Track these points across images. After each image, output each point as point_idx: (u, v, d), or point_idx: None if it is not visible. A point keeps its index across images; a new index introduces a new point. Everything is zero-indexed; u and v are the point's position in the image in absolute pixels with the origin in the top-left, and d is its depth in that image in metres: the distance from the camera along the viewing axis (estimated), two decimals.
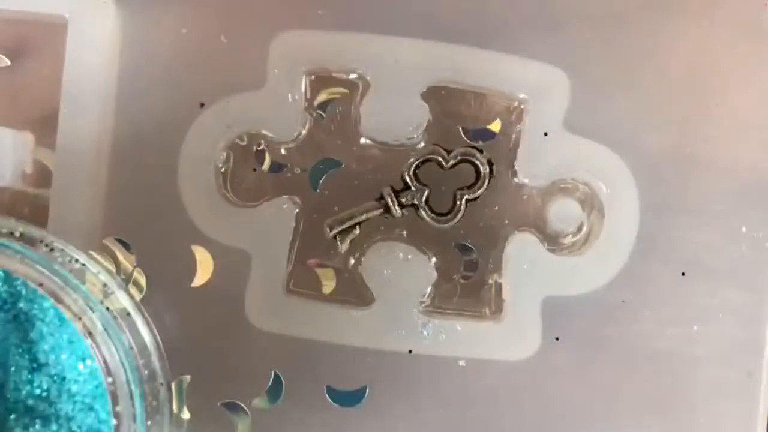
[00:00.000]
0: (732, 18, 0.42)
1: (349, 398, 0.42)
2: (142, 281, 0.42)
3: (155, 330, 0.41)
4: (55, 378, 0.39)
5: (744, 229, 0.42)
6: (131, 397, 0.38)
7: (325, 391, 0.42)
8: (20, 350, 0.39)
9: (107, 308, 0.39)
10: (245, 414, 0.42)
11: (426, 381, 0.42)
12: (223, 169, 0.42)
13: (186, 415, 0.41)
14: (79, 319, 0.38)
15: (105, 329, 0.39)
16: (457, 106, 0.42)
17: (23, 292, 0.39)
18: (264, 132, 0.42)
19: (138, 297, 0.41)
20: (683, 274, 0.42)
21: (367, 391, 0.42)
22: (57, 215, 0.42)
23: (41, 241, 0.39)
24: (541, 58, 0.42)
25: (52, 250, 0.39)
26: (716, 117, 0.42)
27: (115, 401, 0.38)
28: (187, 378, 0.41)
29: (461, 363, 0.42)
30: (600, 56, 0.42)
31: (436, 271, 0.42)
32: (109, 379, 0.38)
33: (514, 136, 0.42)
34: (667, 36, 0.42)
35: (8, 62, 0.43)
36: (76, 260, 0.39)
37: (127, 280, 0.41)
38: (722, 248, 0.42)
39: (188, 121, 0.42)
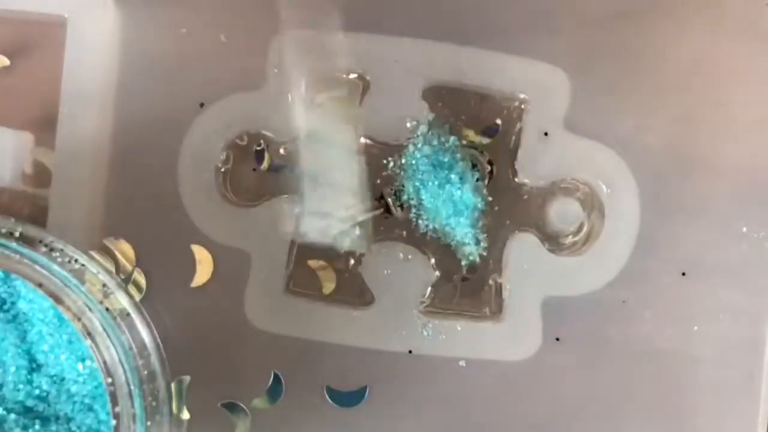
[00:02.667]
0: (732, 18, 0.42)
1: (349, 398, 0.42)
2: (142, 281, 0.42)
3: (155, 330, 0.41)
4: (55, 378, 0.39)
5: (744, 229, 0.42)
6: (131, 398, 0.38)
7: (325, 391, 0.42)
8: (19, 350, 0.39)
9: (107, 308, 0.39)
10: (245, 414, 0.42)
11: (426, 381, 0.42)
12: (223, 169, 0.42)
13: (186, 415, 0.41)
14: (78, 319, 0.38)
15: (104, 329, 0.39)
16: (457, 105, 0.42)
17: (22, 292, 0.39)
18: (264, 132, 0.42)
19: (138, 297, 0.41)
20: (683, 274, 0.42)
21: (367, 391, 0.42)
22: (56, 215, 0.42)
23: (41, 241, 0.39)
24: (541, 58, 0.42)
25: (51, 250, 0.39)
26: (716, 117, 0.42)
27: (114, 402, 0.38)
28: (187, 378, 0.41)
29: (461, 363, 0.42)
30: (600, 56, 0.42)
31: (436, 271, 0.42)
32: (109, 380, 0.38)
33: (514, 136, 0.42)
34: (667, 36, 0.42)
35: (8, 62, 0.43)
36: (76, 260, 0.39)
37: (126, 280, 0.41)
38: (723, 248, 0.42)
39: (188, 121, 0.42)
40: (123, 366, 0.39)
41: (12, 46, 0.43)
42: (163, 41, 0.42)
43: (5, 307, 0.39)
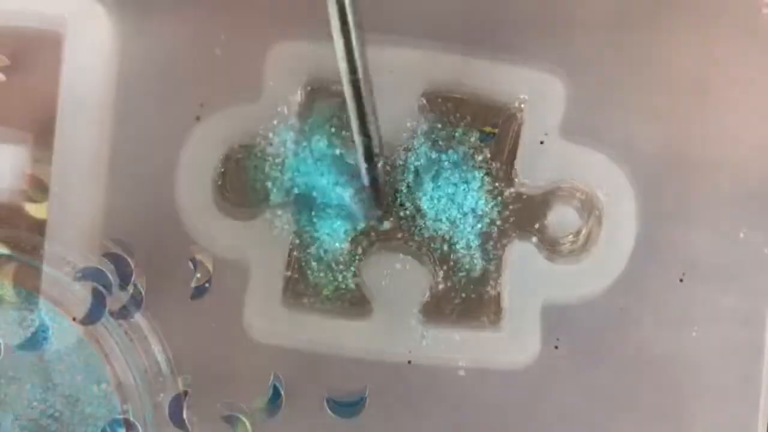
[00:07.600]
0: (730, 23, 0.42)
1: (349, 408, 0.42)
2: (140, 293, 0.42)
3: (169, 352, 0.41)
4: (70, 399, 0.39)
5: (742, 234, 0.42)
6: (144, 424, 0.38)
7: (325, 401, 0.42)
8: (36, 368, 0.39)
9: (126, 332, 0.39)
10: (245, 426, 0.42)
11: (425, 390, 0.42)
12: (220, 182, 0.42)
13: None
14: (97, 341, 0.38)
15: (122, 353, 0.38)
16: (454, 111, 0.42)
17: (44, 310, 0.39)
18: (260, 144, 0.42)
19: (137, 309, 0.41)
20: (682, 279, 0.42)
21: (367, 401, 0.42)
22: (54, 226, 0.42)
23: (64, 258, 0.39)
24: (537, 65, 0.42)
25: (74, 268, 0.39)
26: (713, 122, 0.42)
27: (128, 427, 0.38)
28: (187, 389, 0.42)
29: (461, 372, 0.42)
30: (597, 62, 0.42)
31: (435, 279, 0.42)
32: (125, 407, 0.38)
33: (511, 142, 0.42)
34: (665, 39, 0.42)
35: (3, 78, 0.42)
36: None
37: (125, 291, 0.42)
38: (721, 253, 0.42)
39: (186, 131, 0.42)
40: (139, 391, 0.38)
41: (10, 54, 0.43)
42: (160, 52, 0.42)
43: (25, 324, 0.39)
